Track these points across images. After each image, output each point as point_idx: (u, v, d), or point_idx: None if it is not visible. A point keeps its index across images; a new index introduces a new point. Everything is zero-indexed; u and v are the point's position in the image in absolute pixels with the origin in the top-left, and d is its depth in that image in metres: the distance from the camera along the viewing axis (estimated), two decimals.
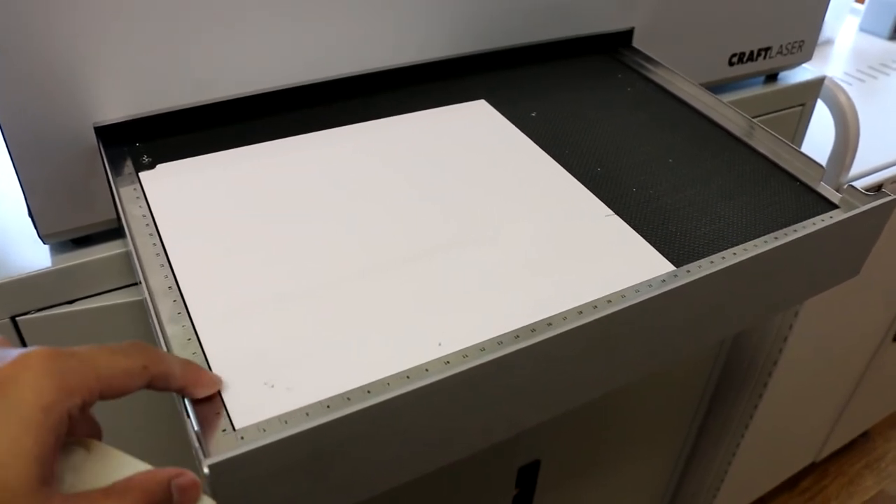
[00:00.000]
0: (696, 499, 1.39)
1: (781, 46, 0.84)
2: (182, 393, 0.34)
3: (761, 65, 0.84)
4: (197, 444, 0.32)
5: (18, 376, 0.28)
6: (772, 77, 0.90)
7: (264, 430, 0.33)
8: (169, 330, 0.38)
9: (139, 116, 0.52)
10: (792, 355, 1.14)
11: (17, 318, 0.53)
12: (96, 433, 0.34)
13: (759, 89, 0.87)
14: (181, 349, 0.37)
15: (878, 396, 1.58)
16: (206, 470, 0.30)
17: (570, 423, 0.96)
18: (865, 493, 1.64)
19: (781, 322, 1.10)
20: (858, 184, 0.93)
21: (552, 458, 0.96)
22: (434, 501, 0.85)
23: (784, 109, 0.91)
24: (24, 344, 0.54)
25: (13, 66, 0.46)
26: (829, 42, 1.35)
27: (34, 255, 0.54)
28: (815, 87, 0.92)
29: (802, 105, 0.92)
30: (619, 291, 0.43)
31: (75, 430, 0.33)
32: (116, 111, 0.51)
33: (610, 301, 0.43)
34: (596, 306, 0.42)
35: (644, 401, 1.06)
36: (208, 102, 0.55)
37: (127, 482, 0.30)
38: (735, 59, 0.81)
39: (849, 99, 0.95)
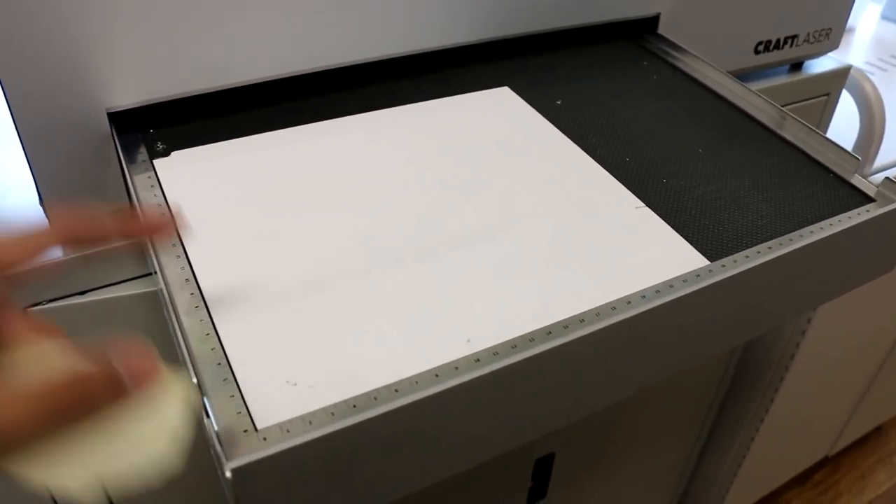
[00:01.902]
0: (708, 492, 1.37)
1: (808, 34, 0.82)
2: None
3: (788, 53, 0.82)
4: (218, 447, 0.30)
5: None
6: (797, 66, 0.88)
7: (288, 432, 0.32)
8: (186, 324, 0.37)
9: (154, 102, 0.51)
10: (809, 350, 1.13)
11: (29, 310, 0.51)
12: None
13: (783, 78, 0.85)
14: (199, 344, 0.36)
15: (893, 391, 1.56)
16: (228, 474, 0.28)
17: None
18: (878, 487, 1.63)
19: (799, 317, 1.09)
20: (882, 175, 0.91)
21: (567, 451, 0.95)
22: (451, 492, 0.84)
23: (809, 99, 0.89)
24: None
25: (23, 50, 0.44)
26: (850, 30, 1.32)
27: None
28: (840, 77, 0.90)
29: (827, 95, 0.90)
30: (653, 287, 0.42)
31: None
32: (130, 97, 0.50)
33: (644, 297, 0.41)
34: (629, 302, 0.41)
35: (659, 394, 1.05)
36: (225, 88, 0.53)
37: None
38: (761, 47, 0.79)
39: (875, 89, 0.93)
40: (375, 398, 0.34)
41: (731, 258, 0.45)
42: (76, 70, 0.46)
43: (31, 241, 0.31)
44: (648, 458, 1.17)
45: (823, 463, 1.64)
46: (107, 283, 0.54)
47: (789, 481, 1.57)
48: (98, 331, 0.54)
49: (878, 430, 1.74)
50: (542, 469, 0.94)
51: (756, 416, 1.22)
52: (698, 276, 0.43)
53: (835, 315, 1.12)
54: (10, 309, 0.32)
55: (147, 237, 0.38)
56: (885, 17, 1.39)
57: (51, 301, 0.52)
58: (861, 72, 0.95)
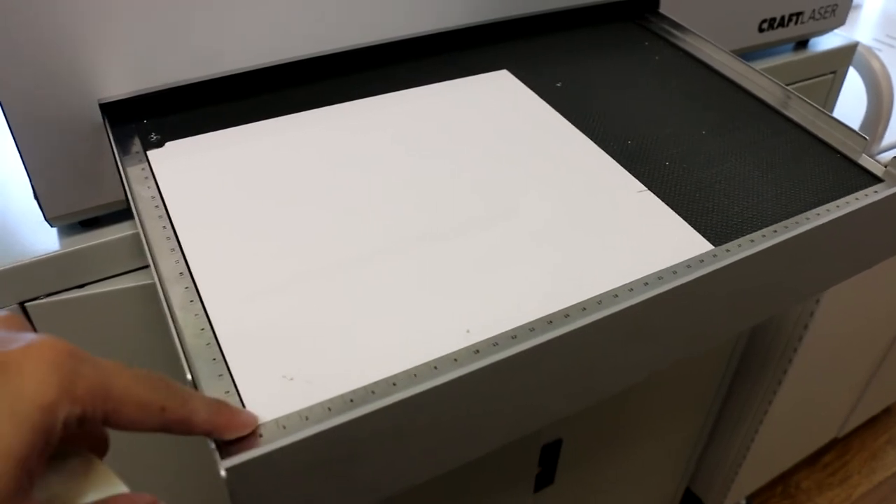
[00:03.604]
0: (717, 475, 1.37)
1: (814, 11, 0.81)
2: (209, 436, 0.30)
3: (792, 31, 0.81)
4: (213, 445, 0.30)
5: (24, 364, 0.25)
6: (802, 44, 0.86)
7: (284, 428, 0.31)
8: (181, 318, 0.36)
9: (147, 92, 0.50)
10: (817, 332, 1.12)
11: (26, 304, 0.51)
12: (100, 447, 0.32)
13: (788, 56, 0.84)
14: (194, 339, 0.35)
15: None
16: (223, 473, 0.28)
17: None
18: (888, 468, 1.62)
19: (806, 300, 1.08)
20: (890, 154, 0.90)
21: (574, 436, 0.95)
22: (455, 480, 0.84)
23: (815, 77, 0.87)
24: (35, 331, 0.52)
25: (12, 42, 0.43)
26: (857, 6, 1.30)
27: (42, 239, 0.52)
28: (847, 54, 0.88)
29: (834, 73, 0.89)
30: (657, 273, 0.41)
31: (73, 441, 0.30)
32: (122, 86, 0.49)
33: (647, 283, 0.40)
34: (632, 289, 0.40)
35: (667, 377, 1.04)
36: (220, 76, 0.52)
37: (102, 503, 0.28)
38: (765, 25, 0.78)
39: (883, 66, 0.92)
40: (373, 392, 0.33)
41: (735, 242, 0.44)
42: (67, 61, 0.46)
43: (147, 414, 0.28)
44: (656, 442, 1.17)
45: (833, 444, 1.63)
46: (105, 276, 0.53)
47: (799, 463, 1.56)
48: (97, 325, 0.54)
49: (886, 412, 1.73)
50: (550, 455, 0.94)
51: (764, 399, 1.22)
52: (702, 261, 0.42)
53: (843, 297, 1.11)
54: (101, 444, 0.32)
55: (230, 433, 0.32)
56: None
57: (48, 295, 0.52)
58: (868, 49, 0.94)
